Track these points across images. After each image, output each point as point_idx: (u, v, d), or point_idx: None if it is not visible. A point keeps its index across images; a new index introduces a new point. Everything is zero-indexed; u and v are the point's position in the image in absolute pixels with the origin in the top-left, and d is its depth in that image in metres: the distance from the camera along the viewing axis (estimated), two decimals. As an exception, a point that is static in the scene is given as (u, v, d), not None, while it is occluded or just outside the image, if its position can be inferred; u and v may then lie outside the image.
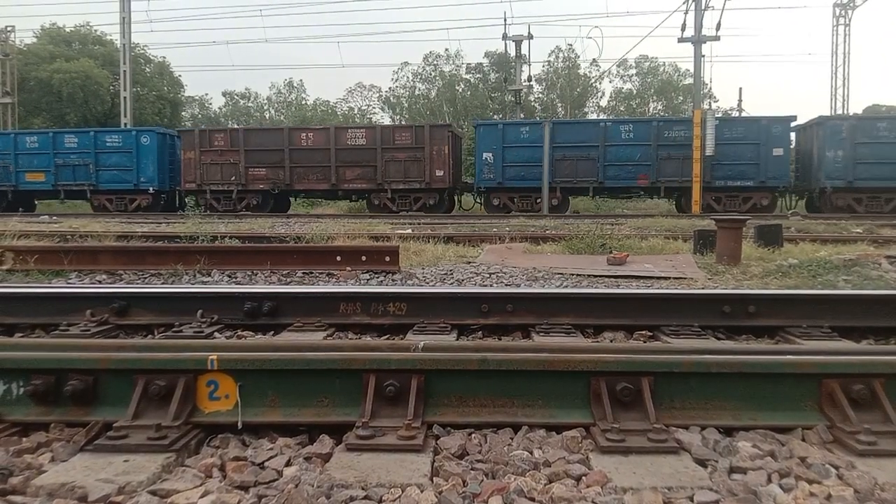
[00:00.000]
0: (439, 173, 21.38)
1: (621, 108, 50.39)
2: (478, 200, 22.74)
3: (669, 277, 6.00)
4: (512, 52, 28.64)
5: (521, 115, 28.18)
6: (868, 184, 19.87)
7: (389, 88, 54.00)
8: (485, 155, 21.28)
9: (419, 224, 14.14)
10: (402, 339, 3.68)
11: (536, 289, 5.13)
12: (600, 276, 6.12)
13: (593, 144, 20.91)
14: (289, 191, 22.68)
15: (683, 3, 21.18)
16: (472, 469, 1.94)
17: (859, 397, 2.21)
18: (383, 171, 21.58)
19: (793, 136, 21.46)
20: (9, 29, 33.77)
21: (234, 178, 22.16)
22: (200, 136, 22.50)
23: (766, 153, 20.04)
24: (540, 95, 50.26)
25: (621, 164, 20.83)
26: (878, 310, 3.86)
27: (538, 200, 21.16)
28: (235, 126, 23.91)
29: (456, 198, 23.96)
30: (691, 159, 20.13)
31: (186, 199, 23.59)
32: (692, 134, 20.17)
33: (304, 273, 6.24)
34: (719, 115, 25.49)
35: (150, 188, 22.52)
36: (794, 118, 20.88)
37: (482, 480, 1.86)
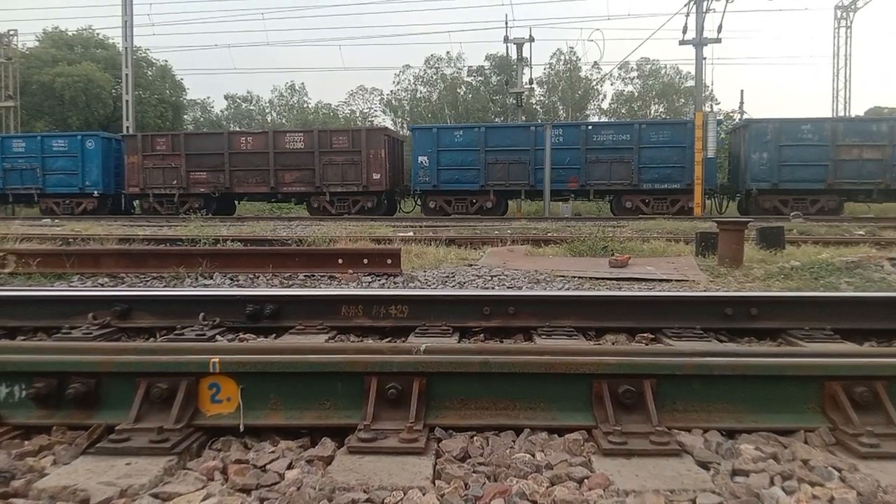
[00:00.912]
0: (376, 176, 21.86)
1: (623, 111, 50.38)
2: (418, 203, 23.11)
3: (671, 280, 6.00)
4: (513, 54, 28.66)
5: (523, 118, 28.24)
6: (792, 185, 20.34)
7: (391, 91, 54.09)
8: (420, 158, 21.79)
9: (421, 227, 14.15)
10: (403, 341, 3.67)
11: (538, 291, 5.13)
12: (602, 278, 6.12)
13: (524, 148, 21.46)
14: (229, 194, 23.09)
15: (685, 5, 21.19)
16: (474, 472, 1.94)
17: (862, 400, 2.21)
18: (321, 175, 22.11)
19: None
20: (11, 32, 33.87)
21: (175, 181, 22.70)
22: (143, 141, 23.08)
23: (693, 156, 20.40)
24: (541, 98, 50.27)
25: (552, 168, 21.21)
26: (881, 312, 3.85)
27: (474, 203, 21.65)
28: (176, 131, 24.21)
29: (398, 200, 24.30)
30: (620, 162, 20.87)
31: (134, 203, 24.14)
32: (620, 138, 20.97)
33: (305, 276, 6.25)
34: (720, 117, 25.55)
35: (96, 192, 23.13)
36: (719, 122, 21.54)
37: (484, 483, 1.86)
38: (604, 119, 47.49)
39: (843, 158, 20.06)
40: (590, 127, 21.89)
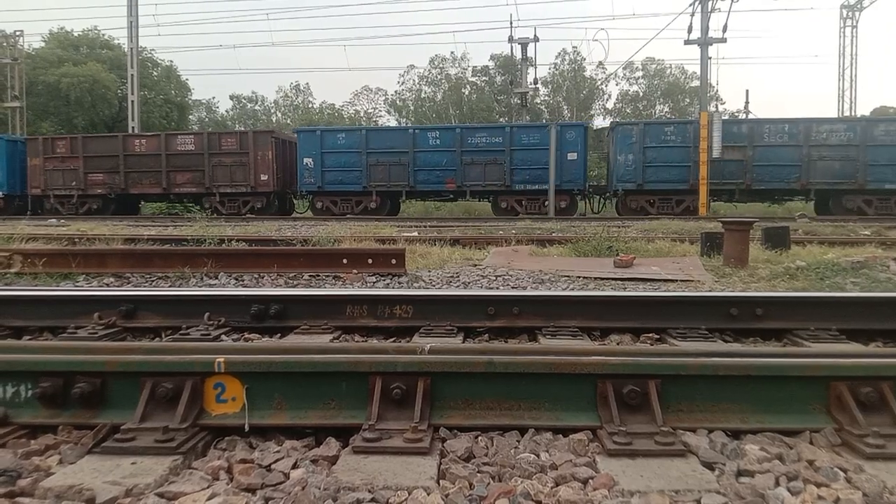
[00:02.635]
0: (264, 177, 22.33)
1: (627, 111, 50.31)
2: (315, 204, 23.47)
3: (676, 280, 5.98)
4: (518, 54, 28.65)
5: (527, 118, 28.23)
6: (656, 186, 20.76)
7: (395, 92, 54.12)
8: (305, 160, 22.30)
9: (425, 227, 14.16)
10: (408, 341, 3.67)
11: (543, 291, 5.13)
12: (607, 278, 6.11)
13: (404, 150, 21.91)
14: (125, 195, 23.47)
15: (690, 5, 21.14)
16: (478, 472, 1.94)
17: (868, 400, 2.20)
18: (211, 176, 22.53)
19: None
20: (17, 33, 33.98)
21: (74, 183, 23.23)
22: (44, 144, 23.73)
23: (562, 157, 21.03)
24: (546, 98, 50.25)
25: (430, 169, 21.86)
26: (887, 312, 3.83)
27: (359, 203, 22.22)
28: (75, 135, 24.86)
29: (293, 201, 24.66)
30: (494, 164, 21.44)
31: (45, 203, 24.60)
32: (493, 141, 21.49)
33: (310, 276, 6.25)
34: (726, 116, 25.47)
35: (1, 192, 23.69)
36: (586, 124, 22.41)
37: (489, 483, 1.86)
38: (609, 118, 47.43)
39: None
40: (464, 130, 22.41)
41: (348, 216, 21.05)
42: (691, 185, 20.33)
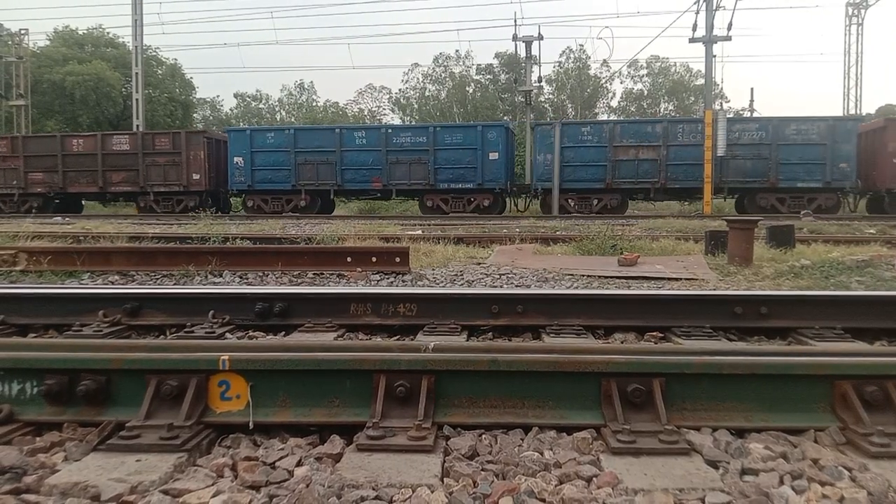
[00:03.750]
0: (196, 177, 22.79)
1: (632, 109, 50.28)
2: (245, 203, 23.75)
3: (681, 279, 5.97)
4: (522, 52, 28.62)
5: (532, 116, 28.17)
6: (574, 185, 21.20)
7: (399, 90, 54.15)
8: (236, 159, 22.68)
9: (429, 225, 14.16)
10: (412, 339, 3.68)
11: (547, 290, 5.13)
12: (611, 277, 6.11)
13: (331, 150, 22.32)
14: (64, 193, 23.82)
15: (694, 3, 21.08)
16: (482, 470, 1.94)
17: (872, 399, 2.19)
18: (145, 175, 23.06)
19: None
20: (22, 32, 34.11)
21: (15, 182, 23.80)
22: None
23: (484, 157, 21.48)
24: (550, 96, 50.19)
25: (356, 168, 22.28)
26: (892, 311, 3.82)
27: (289, 202, 22.64)
28: (15, 135, 25.50)
29: (228, 199, 25.00)
30: (418, 163, 21.79)
31: None
32: (417, 140, 21.82)
33: (314, 274, 6.26)
34: (731, 115, 25.42)
35: None
36: (507, 125, 22.76)
37: (493, 481, 1.86)
38: (613, 117, 47.33)
39: (620, 159, 20.90)
40: (389, 130, 22.84)
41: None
42: (607, 184, 20.86)
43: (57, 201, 23.85)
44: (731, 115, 24.29)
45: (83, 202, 25.86)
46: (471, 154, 21.54)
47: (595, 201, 21.09)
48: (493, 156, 21.44)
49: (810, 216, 16.76)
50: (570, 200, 21.22)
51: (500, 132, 21.78)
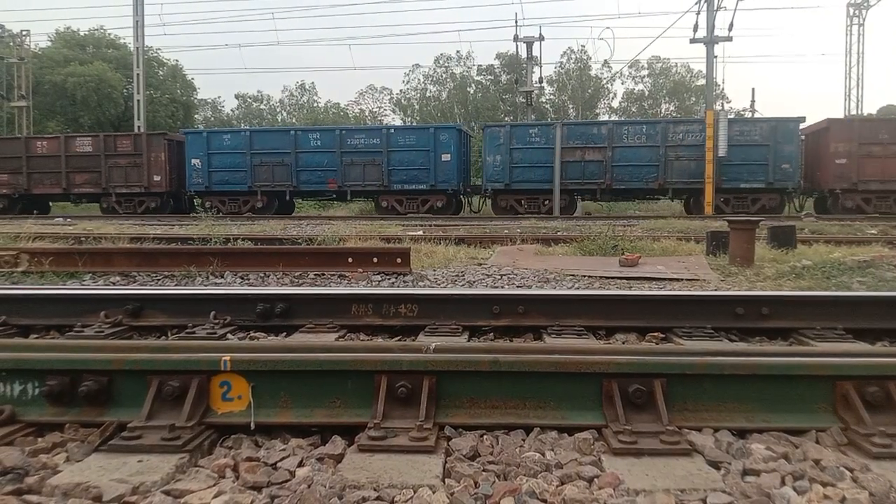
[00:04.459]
0: (157, 178, 23.12)
1: (633, 110, 50.23)
2: (204, 204, 23.96)
3: (682, 279, 5.97)
4: (523, 53, 28.60)
5: (533, 117, 28.20)
6: (523, 186, 21.42)
7: (401, 91, 54.14)
8: (193, 161, 22.95)
9: (430, 226, 14.16)
10: (413, 340, 3.68)
11: (548, 290, 5.13)
12: (612, 277, 6.10)
13: (286, 151, 22.51)
14: (28, 195, 24.02)
15: (695, 3, 21.08)
16: (483, 470, 1.94)
17: (874, 399, 2.19)
18: (107, 177, 23.30)
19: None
20: (24, 33, 34.12)
21: None
22: None
23: (437, 159, 21.67)
24: (551, 97, 50.16)
25: (312, 170, 22.47)
26: (893, 311, 3.82)
27: (246, 203, 22.88)
28: None
29: (191, 200, 25.08)
30: (372, 165, 22.02)
31: None
32: (371, 142, 22.03)
33: (315, 275, 6.26)
34: (731, 115, 25.43)
35: None
36: (459, 127, 23.04)
37: (494, 482, 1.86)
38: (614, 117, 47.31)
39: (567, 160, 21.03)
40: (343, 131, 23.01)
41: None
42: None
43: (22, 203, 24.16)
44: (732, 116, 24.18)
45: (50, 203, 26.15)
46: (424, 156, 21.77)
47: (543, 203, 21.35)
48: (446, 157, 21.65)
49: (811, 216, 16.75)
50: (521, 201, 21.50)
51: (452, 134, 21.98)
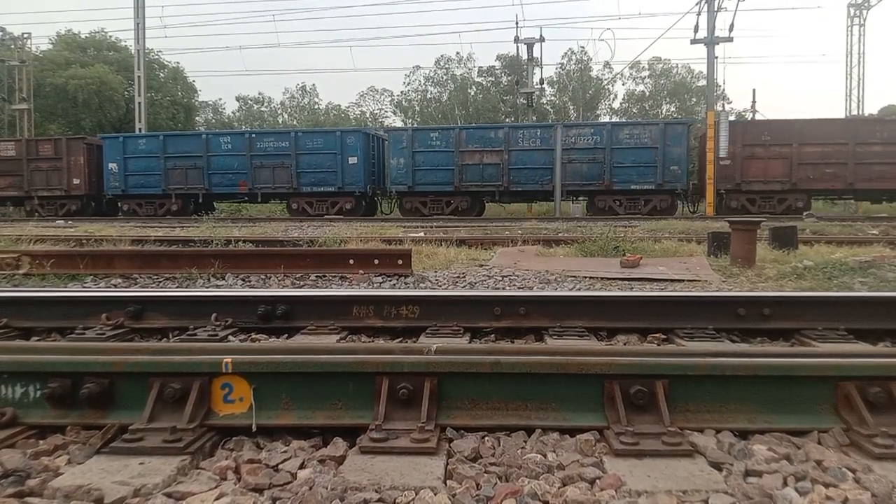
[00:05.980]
0: (76, 181, 23.72)
1: (634, 111, 50.20)
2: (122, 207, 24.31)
3: (683, 280, 5.97)
4: (524, 54, 28.62)
5: (534, 118, 28.21)
6: (426, 188, 22.01)
7: (401, 92, 54.14)
8: (110, 165, 23.55)
9: (431, 227, 14.17)
10: (414, 342, 3.67)
11: (549, 292, 5.13)
12: (613, 278, 6.10)
13: (199, 154, 22.97)
14: None
15: (696, 4, 21.11)
16: (485, 472, 1.94)
17: (876, 400, 2.19)
18: (29, 180, 23.93)
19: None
20: (25, 36, 34.17)
21: None
22: None
23: (343, 161, 22.22)
24: (552, 98, 50.15)
25: (223, 173, 22.99)
26: (895, 312, 3.81)
27: (161, 206, 23.33)
28: None
29: (116, 203, 25.34)
30: (282, 167, 22.47)
31: None
32: (280, 145, 22.59)
33: (317, 276, 6.26)
34: (732, 116, 25.43)
35: None
36: (365, 130, 23.57)
37: (496, 483, 1.86)
38: (615, 118, 47.33)
39: (467, 163, 21.61)
40: (253, 135, 23.61)
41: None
42: (456, 187, 21.63)
43: None
44: (733, 118, 24.17)
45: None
46: (331, 158, 22.16)
47: (446, 204, 21.87)
48: (353, 160, 22.05)
49: (813, 217, 16.73)
50: (425, 203, 21.97)
51: (358, 137, 22.36)
